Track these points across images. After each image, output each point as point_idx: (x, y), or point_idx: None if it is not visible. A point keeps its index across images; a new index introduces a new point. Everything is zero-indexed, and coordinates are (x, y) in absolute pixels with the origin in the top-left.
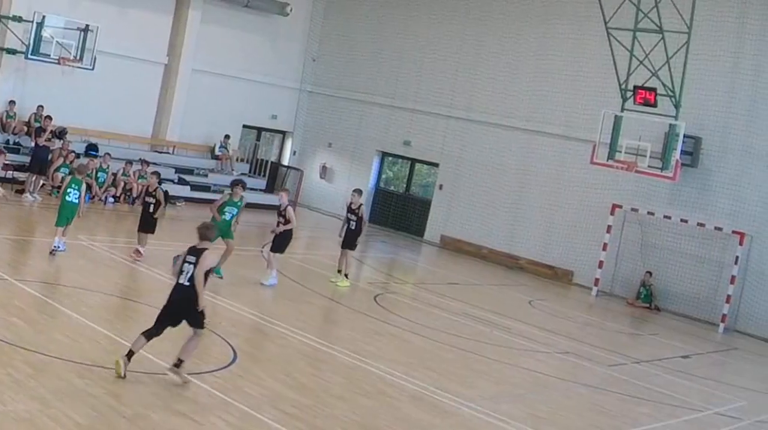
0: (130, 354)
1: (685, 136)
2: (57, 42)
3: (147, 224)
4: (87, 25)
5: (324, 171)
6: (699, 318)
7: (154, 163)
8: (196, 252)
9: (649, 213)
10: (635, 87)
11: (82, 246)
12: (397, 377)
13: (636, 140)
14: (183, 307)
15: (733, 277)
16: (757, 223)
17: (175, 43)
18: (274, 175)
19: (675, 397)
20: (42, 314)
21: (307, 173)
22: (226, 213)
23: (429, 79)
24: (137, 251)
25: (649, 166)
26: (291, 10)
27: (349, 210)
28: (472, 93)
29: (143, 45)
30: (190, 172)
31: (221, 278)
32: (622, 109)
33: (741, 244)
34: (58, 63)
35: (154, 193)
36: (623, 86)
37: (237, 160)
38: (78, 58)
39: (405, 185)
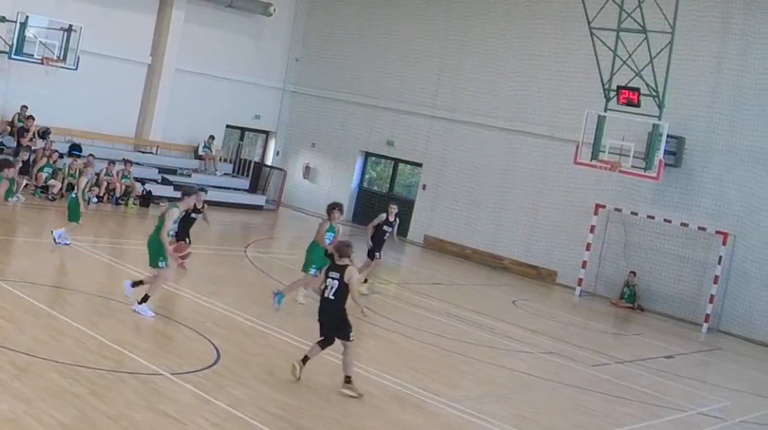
0: (305, 359)
1: (668, 136)
2: (40, 42)
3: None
4: (70, 25)
5: (307, 171)
6: (682, 318)
7: (137, 164)
8: (338, 269)
9: (632, 213)
10: (619, 87)
11: (65, 246)
12: (382, 377)
13: (619, 140)
14: (331, 320)
15: (716, 277)
16: (741, 223)
17: (159, 43)
18: (257, 176)
19: (658, 397)
20: (26, 314)
21: (291, 173)
22: (326, 239)
23: (412, 80)
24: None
25: (632, 166)
26: (274, 10)
27: (387, 222)
28: (456, 93)
29: (127, 45)
30: (173, 172)
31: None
32: (606, 109)
33: (724, 244)
34: (42, 63)
35: (201, 209)
36: (606, 86)
37: (220, 160)
38: (61, 58)
39: (388, 185)
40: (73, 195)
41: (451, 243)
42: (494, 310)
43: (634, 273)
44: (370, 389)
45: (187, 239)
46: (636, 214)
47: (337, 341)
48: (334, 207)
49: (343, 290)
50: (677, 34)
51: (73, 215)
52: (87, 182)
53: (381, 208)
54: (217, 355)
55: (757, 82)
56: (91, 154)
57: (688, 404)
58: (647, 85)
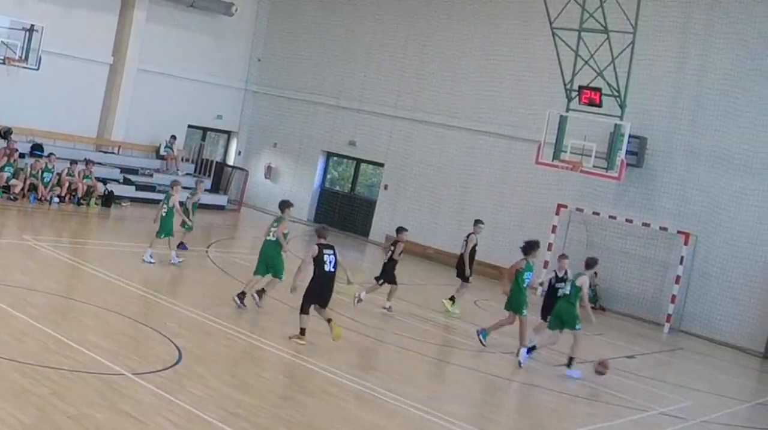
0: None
1: (630, 136)
2: (2, 42)
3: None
4: (32, 25)
5: (269, 171)
6: (644, 318)
7: (99, 164)
8: (332, 247)
9: (594, 213)
10: (580, 87)
11: (27, 246)
12: (343, 377)
13: (581, 140)
14: (332, 289)
15: (678, 277)
16: (702, 223)
17: (121, 43)
18: (219, 176)
19: (620, 397)
20: None
21: (252, 173)
22: (525, 280)
23: (374, 80)
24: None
25: (594, 166)
26: (236, 10)
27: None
28: (418, 93)
29: (88, 45)
30: (135, 172)
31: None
32: (567, 109)
33: (686, 244)
34: (3, 63)
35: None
36: (568, 86)
37: (182, 160)
38: (23, 58)
39: (350, 185)
40: (164, 214)
41: (413, 243)
42: (459, 311)
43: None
44: (332, 388)
45: None
46: (598, 214)
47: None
48: (534, 247)
49: (337, 261)
50: (639, 34)
51: (165, 229)
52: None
53: (343, 208)
54: (178, 355)
55: (718, 83)
56: (52, 153)
57: (650, 404)
58: (609, 85)
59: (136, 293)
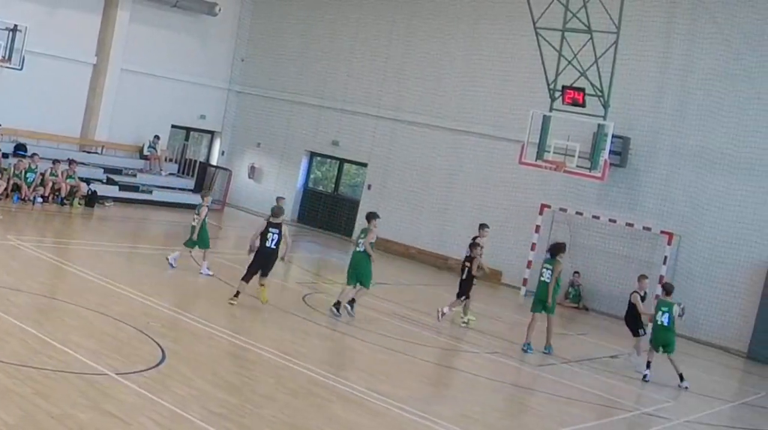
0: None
1: (613, 136)
2: None
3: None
4: (15, 25)
5: (252, 171)
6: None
7: (83, 164)
8: (278, 226)
9: (577, 213)
10: (564, 87)
11: (10, 246)
12: (327, 377)
13: (564, 140)
14: (272, 262)
15: (661, 277)
16: (686, 223)
17: (104, 43)
18: (202, 176)
19: (604, 397)
20: None
21: (236, 173)
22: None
23: (357, 80)
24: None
25: (577, 166)
26: (220, 10)
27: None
28: (401, 93)
29: (72, 45)
30: (118, 172)
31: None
32: (551, 109)
33: (669, 244)
34: None
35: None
36: (552, 86)
37: (166, 160)
38: (6, 58)
39: (333, 185)
40: (194, 224)
41: (397, 243)
42: (439, 310)
43: (578, 273)
44: (315, 388)
45: None
46: (581, 214)
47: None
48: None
49: (280, 240)
50: (622, 34)
51: (204, 242)
52: (207, 212)
53: (326, 208)
54: (162, 355)
55: (702, 83)
56: (35, 153)
57: (634, 404)
58: (592, 85)
59: (120, 293)
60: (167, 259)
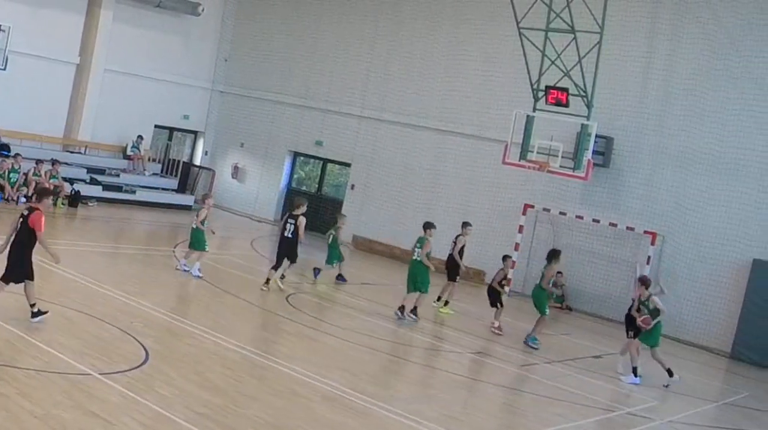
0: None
1: (597, 136)
2: None
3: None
4: None
5: (236, 171)
6: (611, 318)
7: (66, 164)
8: (294, 217)
9: (561, 213)
10: (547, 87)
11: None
12: (310, 377)
13: (548, 140)
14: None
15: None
16: (669, 223)
17: (87, 43)
18: (186, 176)
19: (587, 397)
20: None
21: (219, 173)
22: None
23: (341, 79)
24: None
25: (561, 166)
26: (203, 10)
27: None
28: (384, 93)
29: (55, 45)
30: (102, 172)
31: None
32: (534, 109)
33: (653, 244)
34: None
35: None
36: (535, 86)
37: (149, 160)
38: None
39: (317, 185)
40: (194, 226)
41: (380, 243)
42: (422, 310)
43: (561, 273)
44: (299, 388)
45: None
46: (564, 214)
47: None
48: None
49: (296, 230)
50: (606, 34)
51: (199, 243)
52: (206, 215)
53: (310, 208)
54: (145, 355)
55: (685, 83)
56: (18, 154)
57: (617, 404)
58: (576, 85)
59: (103, 293)
60: (191, 272)
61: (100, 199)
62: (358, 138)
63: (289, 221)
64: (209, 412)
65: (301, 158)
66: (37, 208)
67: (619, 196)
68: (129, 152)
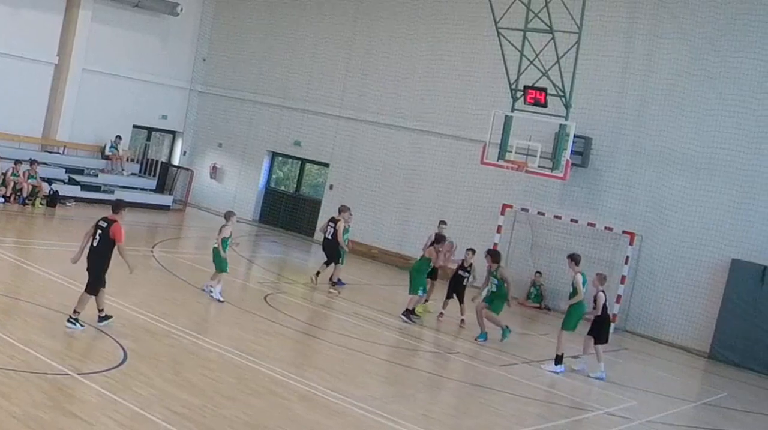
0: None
1: (575, 136)
2: None
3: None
4: None
5: (214, 171)
6: (589, 318)
7: (44, 163)
8: (334, 220)
9: (539, 213)
10: (525, 87)
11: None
12: (288, 377)
13: (526, 140)
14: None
15: (623, 277)
16: (647, 223)
17: (66, 43)
18: (164, 176)
19: (565, 397)
20: None
21: (198, 173)
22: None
23: (319, 80)
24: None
25: (539, 166)
26: (181, 10)
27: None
28: (363, 93)
29: (33, 45)
30: (80, 172)
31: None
32: (513, 110)
33: (631, 244)
34: None
35: (468, 268)
36: (513, 86)
37: (127, 160)
38: None
39: (295, 185)
40: (215, 245)
41: (358, 243)
42: (401, 310)
43: (540, 273)
44: (276, 388)
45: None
46: (543, 214)
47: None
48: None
49: (335, 233)
50: (584, 34)
51: (219, 264)
52: (230, 238)
53: (288, 208)
54: (124, 355)
55: (663, 83)
56: None
57: (595, 404)
58: (554, 85)
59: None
60: (211, 295)
61: (78, 199)
62: (336, 138)
63: (330, 224)
64: (187, 412)
65: (280, 158)
66: (116, 220)
67: (597, 197)
68: (107, 152)
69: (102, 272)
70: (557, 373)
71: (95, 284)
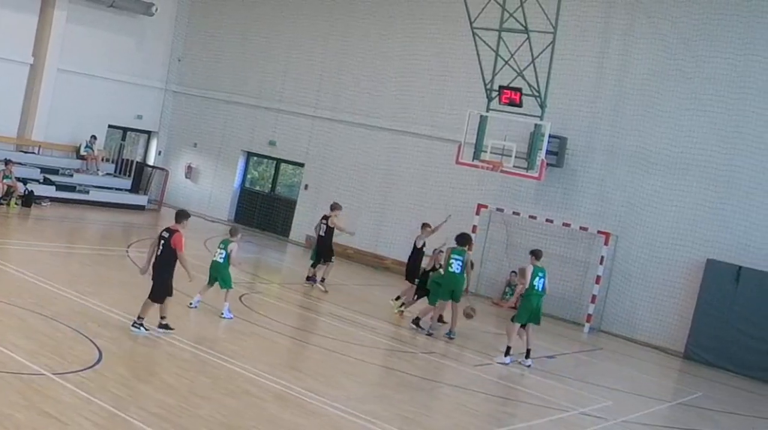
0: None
1: (550, 136)
2: None
3: None
4: None
5: (189, 171)
6: (564, 318)
7: (20, 164)
8: (326, 217)
9: (514, 213)
10: (500, 87)
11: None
12: (263, 377)
13: (501, 140)
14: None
15: (598, 277)
16: (622, 223)
17: (41, 43)
18: (139, 176)
19: (540, 397)
20: None
21: (173, 173)
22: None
23: (294, 79)
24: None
25: (514, 166)
26: (156, 10)
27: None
28: (338, 93)
29: (8, 45)
30: (55, 172)
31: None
32: (488, 110)
33: (606, 244)
34: None
35: (439, 268)
36: (489, 86)
37: (102, 160)
38: None
39: (270, 185)
40: (220, 260)
41: (334, 243)
42: (376, 310)
43: (515, 273)
44: (251, 388)
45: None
46: (518, 214)
47: None
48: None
49: (328, 229)
50: (559, 34)
51: (224, 281)
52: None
53: (263, 208)
54: (99, 355)
55: (638, 83)
56: None
57: (570, 404)
58: (529, 85)
59: (56, 293)
60: (190, 304)
61: (53, 199)
62: (311, 138)
63: (323, 221)
64: (163, 412)
65: (255, 158)
66: (177, 230)
67: (572, 196)
68: (82, 152)
69: (166, 280)
70: (506, 364)
71: (159, 292)
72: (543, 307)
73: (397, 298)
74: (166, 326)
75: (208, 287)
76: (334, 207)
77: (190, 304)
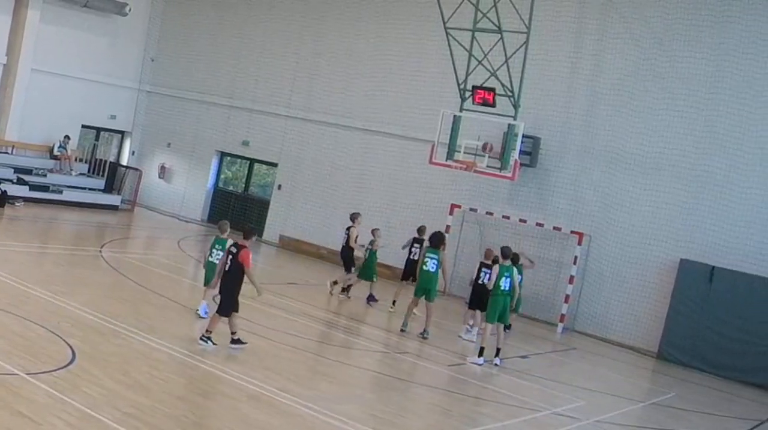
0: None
1: (523, 136)
2: None
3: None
4: None
5: (163, 171)
6: (538, 318)
7: None
8: (348, 229)
9: (487, 213)
10: (474, 87)
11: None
12: (236, 377)
13: (475, 140)
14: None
15: (571, 277)
16: (595, 223)
17: (14, 43)
18: (113, 176)
19: (514, 397)
20: None
21: (146, 173)
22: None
23: (267, 79)
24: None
25: (487, 166)
26: (130, 10)
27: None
28: (311, 93)
29: None
30: (29, 172)
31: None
32: (461, 109)
33: (579, 244)
34: None
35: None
36: (462, 86)
37: (76, 160)
38: None
39: (244, 185)
40: (212, 260)
41: (307, 243)
42: (349, 310)
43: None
44: (225, 388)
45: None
46: (491, 214)
47: None
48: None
49: (348, 241)
50: (532, 34)
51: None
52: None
53: (237, 208)
54: (72, 355)
55: (611, 83)
56: None
57: (543, 404)
58: (503, 85)
59: (29, 293)
60: (197, 311)
61: (26, 199)
62: (284, 138)
63: (346, 232)
64: (136, 412)
65: (228, 158)
66: (244, 246)
67: (545, 196)
68: (56, 152)
69: (233, 294)
70: (479, 364)
71: (226, 307)
72: (521, 307)
73: (394, 303)
74: (238, 341)
75: (207, 289)
76: (353, 218)
77: (197, 311)
